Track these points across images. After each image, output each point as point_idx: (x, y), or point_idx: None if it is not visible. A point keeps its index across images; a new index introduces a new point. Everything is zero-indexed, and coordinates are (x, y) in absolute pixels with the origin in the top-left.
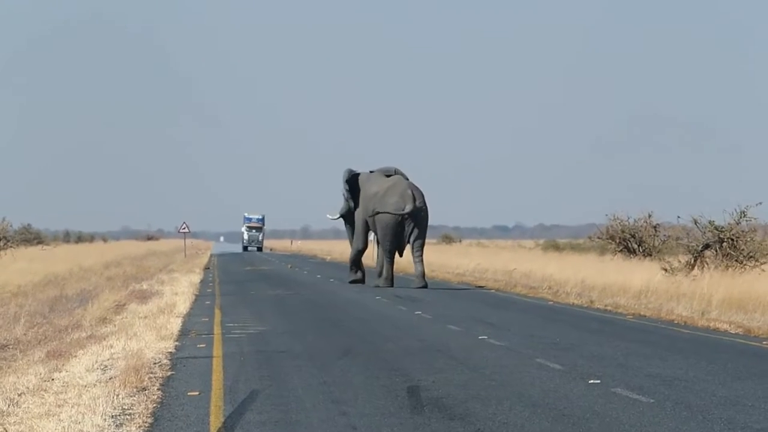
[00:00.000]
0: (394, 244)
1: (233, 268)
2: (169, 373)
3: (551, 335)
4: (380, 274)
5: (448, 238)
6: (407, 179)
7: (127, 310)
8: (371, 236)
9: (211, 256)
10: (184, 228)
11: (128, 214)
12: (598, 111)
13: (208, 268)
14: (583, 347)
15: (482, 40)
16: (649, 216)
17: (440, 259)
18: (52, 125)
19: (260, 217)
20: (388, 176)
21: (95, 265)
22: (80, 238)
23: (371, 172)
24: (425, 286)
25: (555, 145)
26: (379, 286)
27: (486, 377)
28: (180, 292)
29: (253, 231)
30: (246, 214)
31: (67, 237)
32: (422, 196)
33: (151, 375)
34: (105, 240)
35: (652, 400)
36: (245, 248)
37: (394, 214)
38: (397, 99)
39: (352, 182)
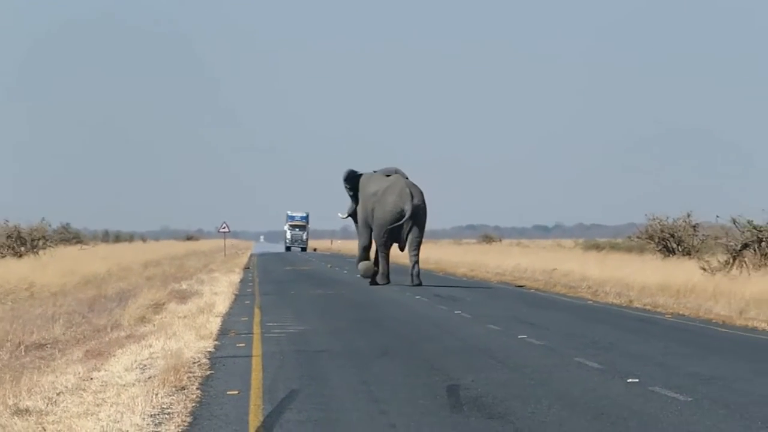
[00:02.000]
0: (390, 242)
1: (273, 267)
2: (209, 373)
3: (590, 334)
4: (377, 271)
5: (488, 238)
6: (407, 178)
7: (167, 309)
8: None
9: (251, 255)
10: (224, 228)
11: (168, 213)
12: (638, 111)
13: (248, 268)
14: (622, 346)
15: (525, 36)
16: (688, 216)
17: (480, 259)
18: (91, 125)
19: (304, 215)
20: (389, 176)
21: (134, 265)
22: (119, 238)
23: (374, 172)
24: (420, 284)
25: (595, 145)
26: (378, 283)
27: (525, 376)
28: (219, 291)
29: (297, 230)
30: (289, 212)
31: (106, 237)
32: (421, 194)
33: (190, 374)
34: (144, 240)
35: (690, 399)
36: (288, 248)
37: (392, 215)
38: (435, 97)
39: (353, 182)
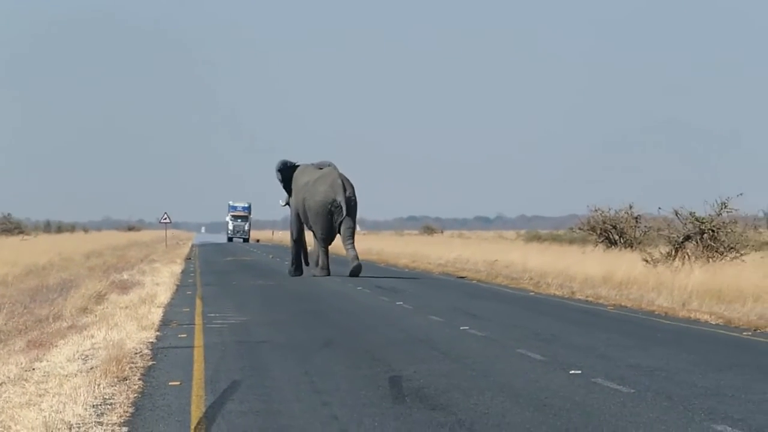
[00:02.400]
0: (327, 233)
1: (215, 258)
2: (150, 363)
3: (533, 326)
4: (317, 263)
5: (429, 229)
6: (338, 171)
7: (108, 300)
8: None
9: (193, 246)
10: (165, 218)
11: (109, 204)
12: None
13: (190, 259)
14: (564, 338)
15: (476, 39)
16: (630, 207)
17: (422, 250)
18: (35, 115)
19: (246, 205)
20: (321, 169)
21: (76, 255)
22: (61, 228)
23: (309, 164)
24: (360, 267)
25: (536, 137)
26: (316, 276)
27: (468, 367)
28: (161, 282)
29: (239, 220)
30: (231, 203)
31: (48, 227)
32: (352, 186)
33: (132, 365)
34: (86, 230)
35: (632, 391)
36: (230, 239)
37: (324, 205)
38: (382, 92)
39: (286, 173)
